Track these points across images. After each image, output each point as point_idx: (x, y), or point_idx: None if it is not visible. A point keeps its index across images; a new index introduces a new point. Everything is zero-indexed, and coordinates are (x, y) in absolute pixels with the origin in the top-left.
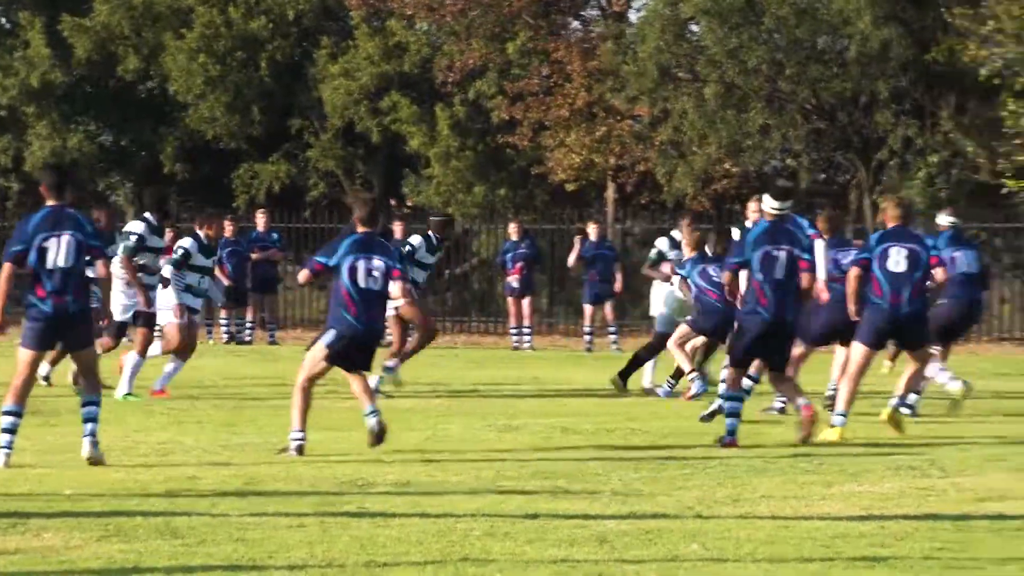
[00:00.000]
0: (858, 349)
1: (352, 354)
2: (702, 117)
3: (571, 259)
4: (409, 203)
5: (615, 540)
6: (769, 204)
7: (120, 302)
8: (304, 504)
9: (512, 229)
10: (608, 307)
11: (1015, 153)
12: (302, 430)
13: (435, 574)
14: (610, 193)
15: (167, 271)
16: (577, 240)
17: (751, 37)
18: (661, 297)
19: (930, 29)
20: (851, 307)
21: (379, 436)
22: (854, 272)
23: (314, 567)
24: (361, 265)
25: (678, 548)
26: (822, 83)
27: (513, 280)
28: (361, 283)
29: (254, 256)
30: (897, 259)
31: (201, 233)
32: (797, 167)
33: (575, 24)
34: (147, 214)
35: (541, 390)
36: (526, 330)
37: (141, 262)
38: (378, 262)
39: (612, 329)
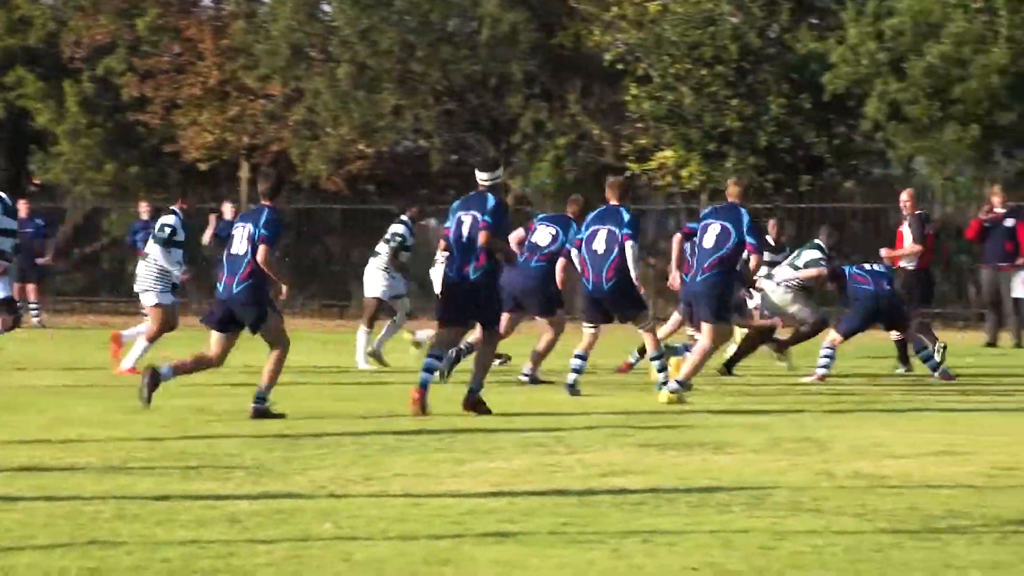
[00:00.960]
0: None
1: None
2: (335, 97)
3: (206, 237)
4: (37, 181)
5: (246, 520)
6: (479, 175)
7: None
8: None
9: (143, 208)
10: None
11: (637, 137)
12: None
13: (62, 557)
14: (244, 172)
15: (156, 250)
16: (212, 219)
17: (383, 19)
18: None
19: (556, 14)
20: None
21: None
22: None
23: None
24: None
25: (310, 527)
26: (453, 65)
27: None
28: None
29: None
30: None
31: (178, 209)
32: (430, 148)
33: (207, 1)
34: None
35: None
36: None
37: None
38: None
39: None
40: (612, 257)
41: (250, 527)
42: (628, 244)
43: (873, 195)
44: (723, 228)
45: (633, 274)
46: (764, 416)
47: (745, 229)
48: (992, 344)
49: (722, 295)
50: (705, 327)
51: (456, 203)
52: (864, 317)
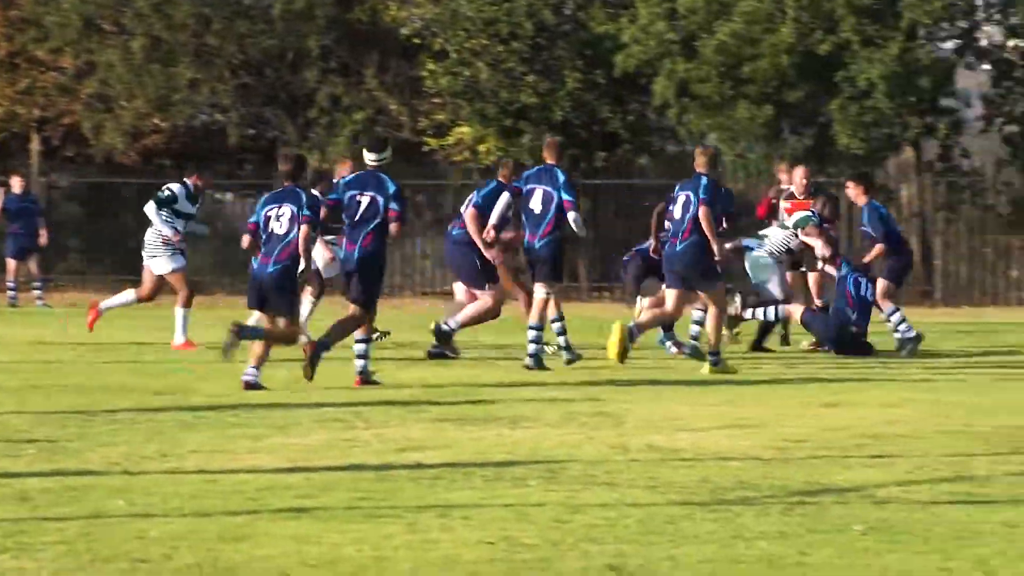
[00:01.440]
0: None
1: None
2: (129, 71)
3: None
4: None
5: (38, 498)
6: (367, 156)
7: None
8: None
9: (15, 182)
10: (33, 261)
11: (434, 112)
12: None
13: None
14: (35, 145)
15: (151, 209)
16: (0, 192)
17: None
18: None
19: None
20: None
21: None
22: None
23: None
24: None
25: (103, 504)
26: (249, 39)
27: None
28: None
29: None
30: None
31: (189, 181)
32: (226, 122)
33: None
34: None
35: None
36: None
37: None
38: None
39: (37, 284)
40: (549, 216)
41: (41, 505)
42: (569, 213)
43: (667, 171)
44: (686, 198)
45: (577, 231)
46: (561, 390)
47: (702, 191)
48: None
49: (703, 261)
50: (704, 296)
51: (348, 179)
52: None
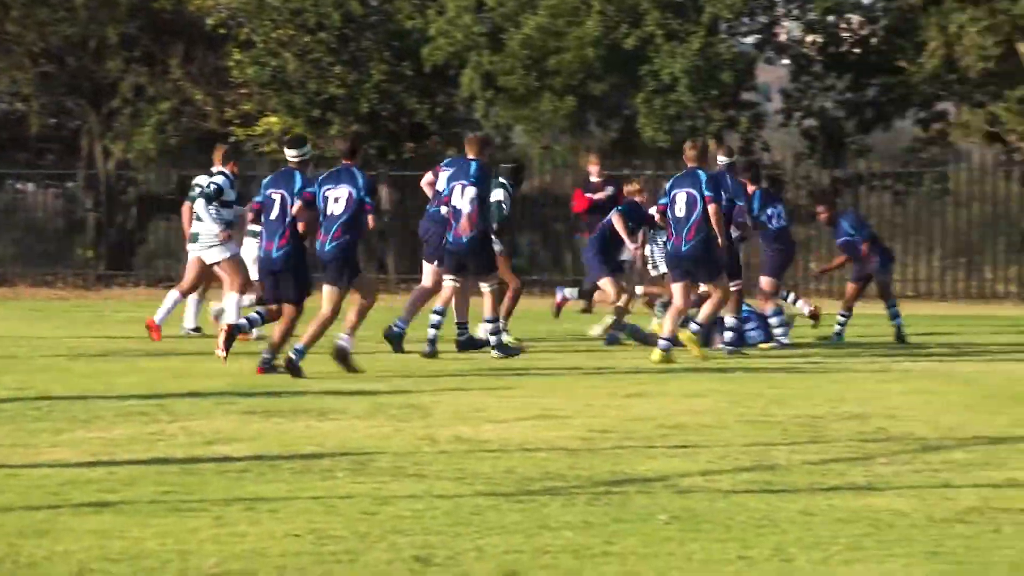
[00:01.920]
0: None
1: None
2: None
3: None
4: None
5: None
6: (287, 152)
7: None
8: None
9: None
10: None
11: (241, 102)
12: None
13: None
14: None
15: (200, 205)
16: None
17: None
18: None
19: None
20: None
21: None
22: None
23: None
24: None
25: None
26: (50, 26)
27: None
28: None
29: None
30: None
31: (227, 169)
32: (27, 111)
33: None
34: None
35: None
36: None
37: None
38: None
39: None
40: (470, 211)
41: None
42: (470, 194)
43: None
44: (688, 195)
45: (492, 226)
46: (369, 382)
47: (703, 186)
48: (588, 311)
49: (711, 256)
50: (711, 288)
51: (266, 180)
52: None
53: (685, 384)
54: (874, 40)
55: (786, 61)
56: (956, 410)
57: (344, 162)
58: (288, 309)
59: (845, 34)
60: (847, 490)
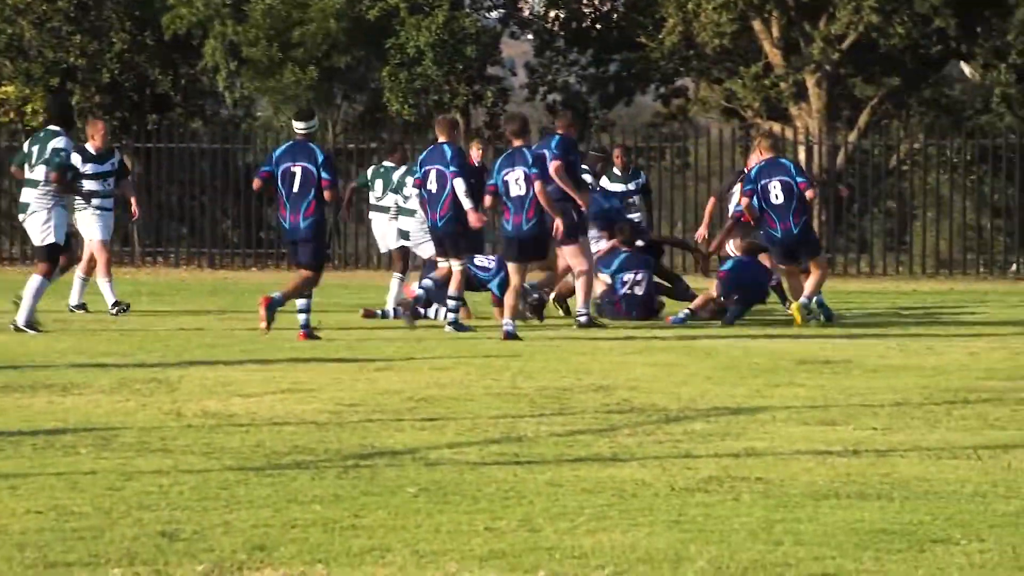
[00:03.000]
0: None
1: None
2: None
3: None
4: None
5: None
6: (296, 125)
7: None
8: None
9: None
10: None
11: None
12: None
13: None
14: None
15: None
16: None
17: None
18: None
19: None
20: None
21: None
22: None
23: None
24: None
25: None
26: None
27: None
28: None
29: None
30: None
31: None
32: None
33: None
34: None
35: None
36: None
37: None
38: None
39: None
40: (445, 194)
41: None
42: (457, 181)
43: (220, 135)
44: (783, 183)
45: (466, 207)
46: (113, 357)
47: (794, 172)
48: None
49: (814, 236)
50: (813, 264)
51: (277, 152)
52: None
53: (433, 357)
54: (615, 16)
55: (530, 36)
56: (697, 382)
57: (517, 143)
58: (305, 273)
59: (587, 9)
60: (592, 461)
